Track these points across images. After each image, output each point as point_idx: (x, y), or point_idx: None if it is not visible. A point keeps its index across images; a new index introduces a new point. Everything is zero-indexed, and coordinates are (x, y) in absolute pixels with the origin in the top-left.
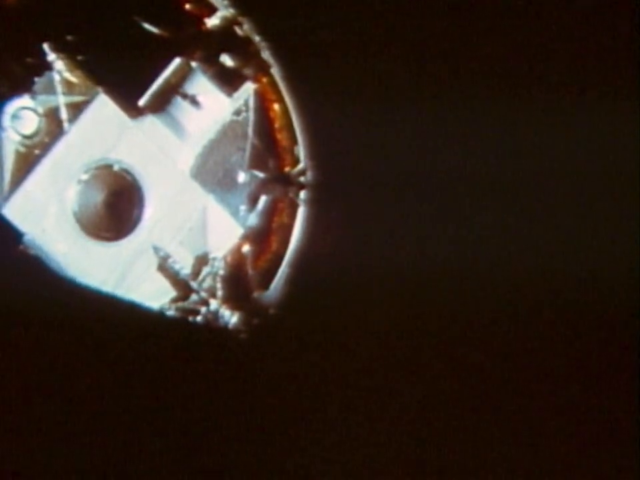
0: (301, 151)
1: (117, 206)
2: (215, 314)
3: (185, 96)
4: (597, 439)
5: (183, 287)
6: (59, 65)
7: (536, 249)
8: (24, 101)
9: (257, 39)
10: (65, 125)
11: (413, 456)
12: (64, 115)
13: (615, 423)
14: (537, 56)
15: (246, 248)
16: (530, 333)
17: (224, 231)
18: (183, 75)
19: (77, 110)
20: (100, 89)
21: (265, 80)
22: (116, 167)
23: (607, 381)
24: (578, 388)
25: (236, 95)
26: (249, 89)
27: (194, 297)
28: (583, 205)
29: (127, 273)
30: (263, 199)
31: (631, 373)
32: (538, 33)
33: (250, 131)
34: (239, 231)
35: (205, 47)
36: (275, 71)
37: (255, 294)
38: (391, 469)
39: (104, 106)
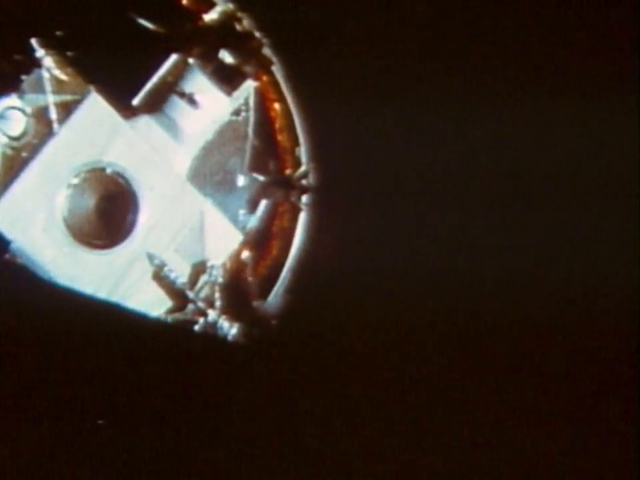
0: (303, 152)
1: (109, 211)
2: (214, 325)
3: (181, 95)
4: (597, 439)
5: (180, 297)
6: (48, 61)
7: (539, 251)
8: (11, 100)
9: (257, 34)
10: (55, 125)
11: (416, 464)
12: (53, 115)
13: (615, 424)
14: (538, 57)
15: (245, 254)
16: (532, 333)
17: (222, 236)
18: (180, 72)
19: (67, 110)
20: (91, 88)
21: (265, 78)
22: (108, 170)
23: (607, 381)
24: (578, 389)
25: (236, 93)
26: (249, 87)
27: (191, 307)
28: (583, 205)
29: (119, 282)
30: (263, 203)
31: (631, 373)
32: (539, 33)
33: (250, 131)
34: (238, 237)
35: (203, 43)
36: (276, 69)
37: (255, 303)
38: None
39: (96, 105)
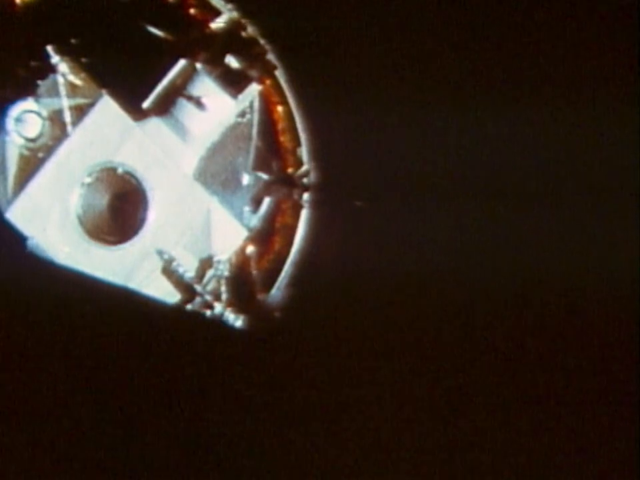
0: (304, 152)
1: (120, 209)
2: (220, 317)
3: (189, 98)
4: (597, 439)
5: (187, 291)
6: (63, 67)
7: (541, 251)
8: (28, 104)
9: (261, 41)
10: (69, 127)
11: (418, 459)
12: (68, 117)
13: (615, 424)
14: (540, 58)
15: (250, 249)
16: (532, 333)
17: (228, 233)
18: (188, 76)
19: (80, 113)
20: (104, 92)
21: (269, 82)
22: (120, 170)
23: (607, 381)
24: (578, 389)
25: (241, 96)
26: (253, 90)
27: (198, 300)
28: (583, 205)
29: (130, 276)
30: (266, 201)
31: (631, 373)
32: (540, 34)
33: (254, 132)
34: (243, 233)
35: (210, 49)
36: (279, 73)
37: (259, 296)
38: (398, 471)
39: (108, 108)
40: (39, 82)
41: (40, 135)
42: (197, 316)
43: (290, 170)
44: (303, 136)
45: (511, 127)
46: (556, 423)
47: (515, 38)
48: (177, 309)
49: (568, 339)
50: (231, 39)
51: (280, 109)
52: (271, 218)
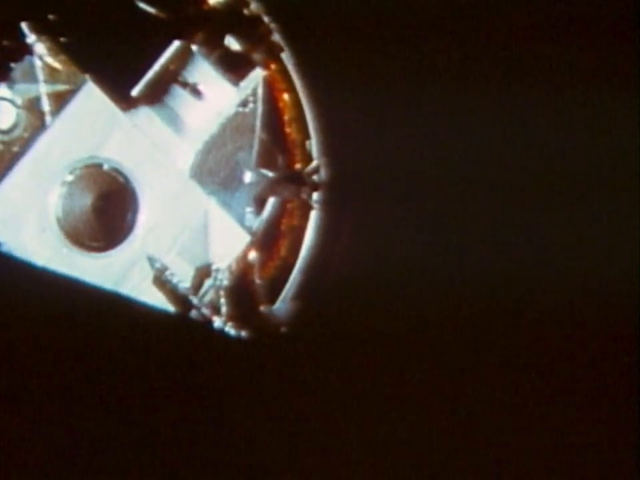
0: (314, 146)
1: (106, 211)
2: (219, 332)
3: (184, 85)
4: (596, 440)
5: (182, 303)
6: (40, 48)
7: (550, 256)
8: (0, 90)
9: (266, 19)
10: (47, 118)
11: (423, 465)
12: (46, 106)
13: (615, 424)
14: (545, 58)
15: (252, 256)
16: (535, 335)
17: (228, 237)
18: (183, 60)
19: (60, 101)
20: (87, 77)
21: (274, 67)
22: (105, 167)
23: (607, 382)
24: (578, 389)
25: (243, 83)
26: (257, 76)
27: (194, 313)
28: (583, 205)
29: (118, 287)
30: (271, 201)
31: (631, 373)
32: (543, 33)
33: (257, 124)
34: (245, 237)
35: (208, 28)
36: (286, 57)
37: (263, 308)
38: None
39: (92, 96)
40: (13, 65)
41: (14, 126)
42: (195, 327)
43: (298, 166)
44: (312, 128)
45: (520, 126)
46: (556, 424)
47: (527, 37)
48: (174, 319)
49: (568, 339)
50: (232, 17)
51: (286, 97)
52: (276, 220)
